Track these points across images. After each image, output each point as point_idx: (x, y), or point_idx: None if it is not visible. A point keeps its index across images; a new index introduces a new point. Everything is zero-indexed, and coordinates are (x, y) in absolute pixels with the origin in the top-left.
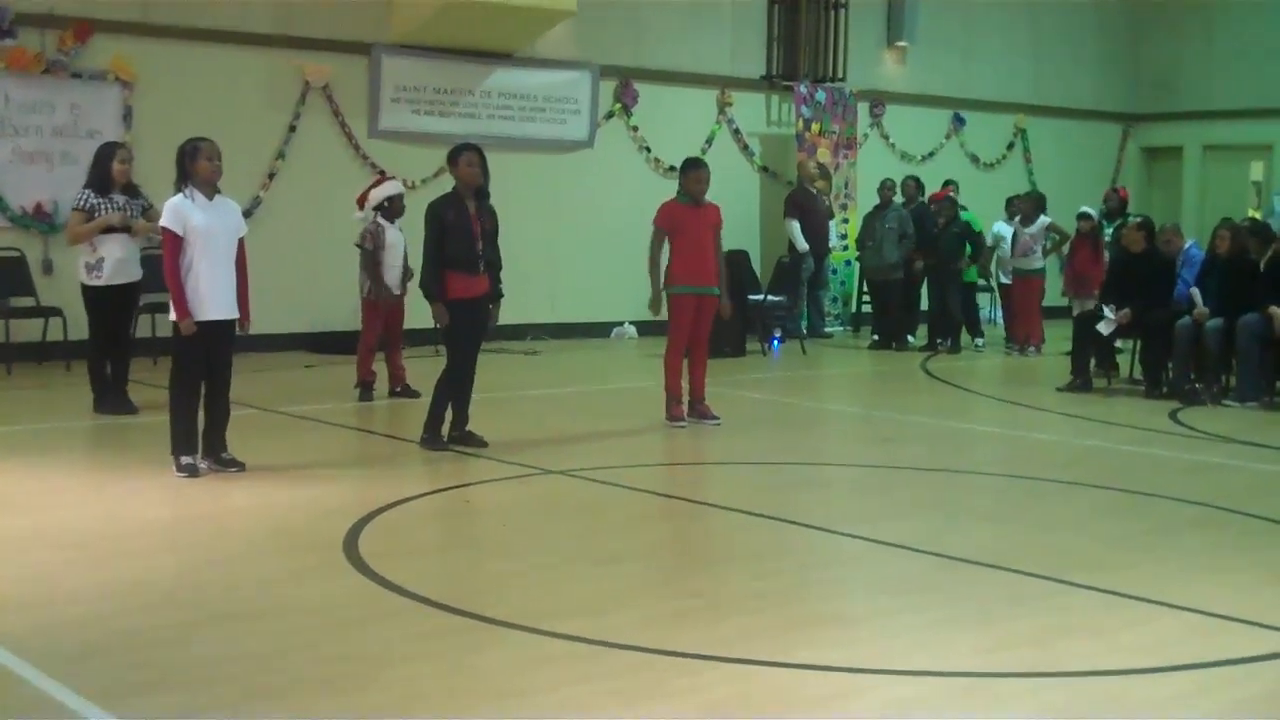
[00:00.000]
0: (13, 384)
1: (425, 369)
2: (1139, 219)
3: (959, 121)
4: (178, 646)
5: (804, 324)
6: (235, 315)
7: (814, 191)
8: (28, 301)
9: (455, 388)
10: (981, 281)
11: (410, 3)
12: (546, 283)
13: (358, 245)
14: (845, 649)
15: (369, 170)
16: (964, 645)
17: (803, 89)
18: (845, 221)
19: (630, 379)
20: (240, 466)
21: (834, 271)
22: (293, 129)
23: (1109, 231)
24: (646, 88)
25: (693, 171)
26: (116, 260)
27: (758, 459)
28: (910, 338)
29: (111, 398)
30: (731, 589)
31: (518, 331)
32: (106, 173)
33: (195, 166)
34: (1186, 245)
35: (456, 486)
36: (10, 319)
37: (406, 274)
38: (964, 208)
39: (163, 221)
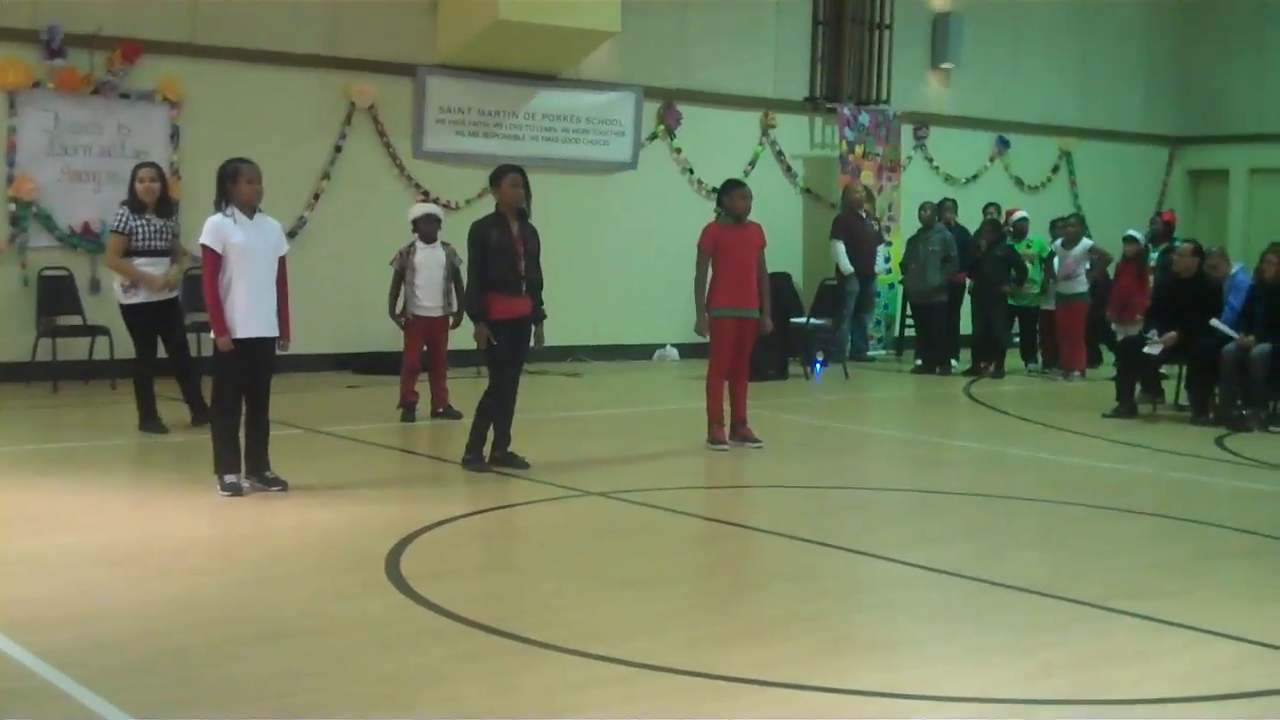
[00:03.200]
0: (59, 402)
1: (468, 390)
2: (1190, 244)
3: (1003, 144)
4: (220, 664)
5: (847, 347)
6: (275, 333)
7: (863, 215)
8: (75, 320)
9: (497, 408)
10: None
11: (455, 24)
12: (589, 304)
13: (390, 264)
14: (887, 674)
15: (413, 191)
16: (1007, 672)
17: (846, 111)
18: (888, 244)
19: (672, 401)
20: (283, 486)
21: (877, 294)
22: (338, 149)
23: (1154, 256)
24: (690, 109)
25: (735, 190)
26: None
27: (800, 483)
28: (954, 362)
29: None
30: (773, 613)
31: (560, 353)
32: (135, 192)
33: (235, 188)
34: (1233, 270)
35: (499, 508)
36: (57, 337)
37: (448, 294)
38: (1010, 232)
39: (202, 239)
